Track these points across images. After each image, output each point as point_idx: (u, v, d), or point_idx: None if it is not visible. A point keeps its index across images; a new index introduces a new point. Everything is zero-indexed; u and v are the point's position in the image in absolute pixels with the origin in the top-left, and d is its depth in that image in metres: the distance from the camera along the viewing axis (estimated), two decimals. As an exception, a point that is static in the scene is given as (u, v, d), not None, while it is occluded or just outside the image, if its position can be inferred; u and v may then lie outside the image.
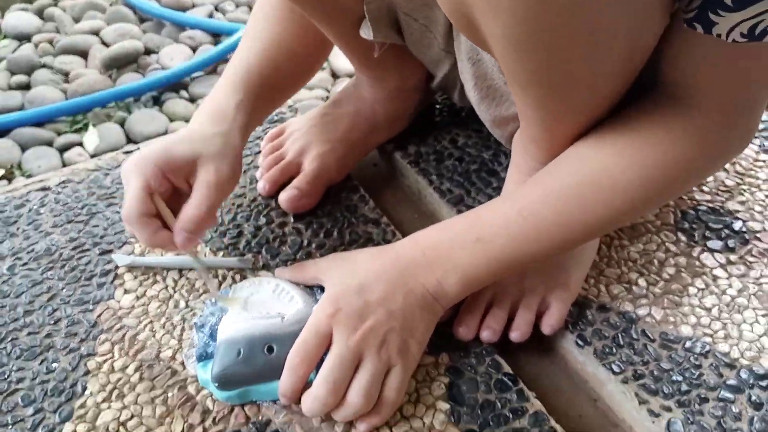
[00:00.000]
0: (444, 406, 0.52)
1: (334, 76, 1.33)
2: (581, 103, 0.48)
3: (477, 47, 0.58)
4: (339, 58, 1.34)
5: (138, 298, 0.61)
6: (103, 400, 0.53)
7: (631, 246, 0.66)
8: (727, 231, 0.67)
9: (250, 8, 1.52)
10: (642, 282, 0.62)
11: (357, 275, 0.52)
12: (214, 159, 0.55)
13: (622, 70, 0.46)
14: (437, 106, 0.86)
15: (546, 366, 0.59)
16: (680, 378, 0.53)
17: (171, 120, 1.21)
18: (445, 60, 0.68)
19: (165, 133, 1.17)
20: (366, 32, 0.62)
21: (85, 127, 1.20)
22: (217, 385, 0.50)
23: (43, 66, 1.36)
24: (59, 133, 1.20)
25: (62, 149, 1.16)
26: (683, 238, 0.67)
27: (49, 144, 1.18)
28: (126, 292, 0.62)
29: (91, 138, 1.16)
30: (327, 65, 1.35)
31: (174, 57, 1.35)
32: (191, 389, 0.53)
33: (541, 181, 0.52)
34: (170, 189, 0.55)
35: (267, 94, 0.64)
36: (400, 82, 0.74)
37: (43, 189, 0.74)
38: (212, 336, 0.53)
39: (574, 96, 0.47)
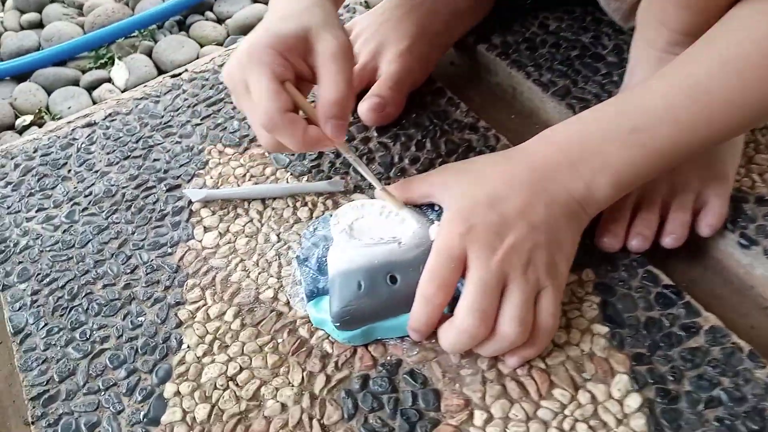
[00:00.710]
0: (601, 329, 0.44)
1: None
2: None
3: None
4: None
5: (221, 235, 0.53)
6: (204, 354, 0.46)
7: (780, 127, 0.56)
8: None
9: None
10: (802, 166, 0.53)
11: (484, 185, 0.44)
12: (324, 28, 0.45)
13: None
14: (515, -10, 0.74)
15: (700, 273, 0.51)
16: None
17: (201, 45, 1.11)
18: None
19: (197, 58, 1.07)
20: None
21: (111, 61, 1.10)
22: (338, 324, 0.43)
23: (53, 0, 1.25)
24: (84, 71, 1.10)
25: (90, 87, 1.06)
26: (837, 112, 0.57)
27: (75, 83, 1.08)
28: (206, 230, 0.54)
29: (120, 72, 1.06)
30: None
31: (193, -25, 1.22)
32: (303, 332, 0.46)
33: (706, 52, 0.41)
34: (293, 77, 0.45)
35: None
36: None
37: (89, 125, 0.66)
38: (320, 270, 0.46)
39: None
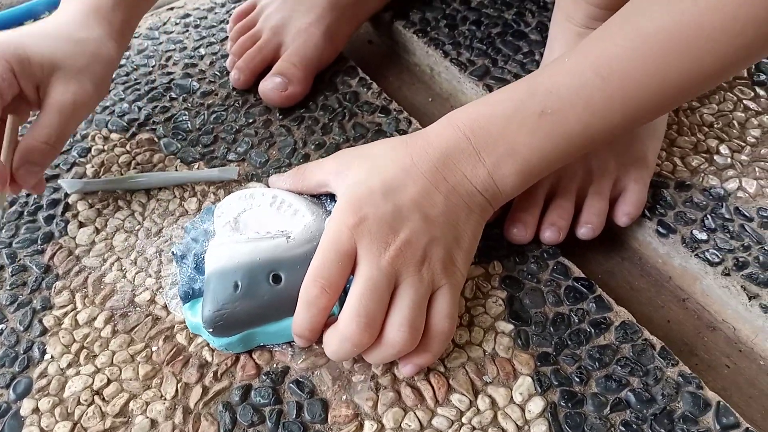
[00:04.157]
0: (506, 327, 0.41)
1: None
2: None
3: None
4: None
5: (98, 230, 0.48)
6: (69, 365, 0.41)
7: (703, 107, 0.54)
8: (816, 78, 0.54)
9: None
10: (724, 149, 0.50)
11: (380, 172, 0.40)
12: (76, 75, 0.45)
13: None
14: (438, -35, 0.70)
15: (617, 264, 0.48)
16: (794, 262, 0.42)
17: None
18: None
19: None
20: None
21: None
22: (211, 330, 0.38)
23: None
24: None
25: None
26: (762, 93, 0.55)
27: None
28: (82, 224, 0.48)
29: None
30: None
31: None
32: (181, 339, 0.42)
33: (622, 27, 0.37)
34: (11, 95, 0.43)
35: None
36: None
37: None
38: (198, 268, 0.41)
39: None
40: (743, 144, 0.50)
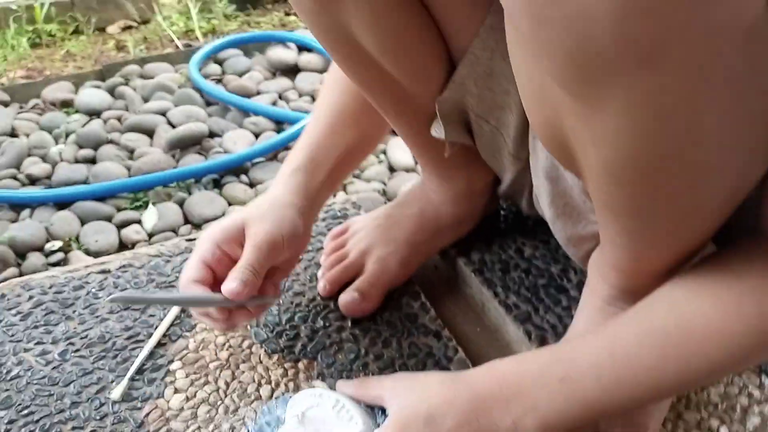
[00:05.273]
0: None
1: (391, 169, 1.33)
2: (677, 236, 0.45)
3: (556, 163, 0.57)
4: (396, 152, 1.35)
5: (188, 399, 0.58)
6: None
7: (712, 388, 0.61)
8: (820, 376, 0.61)
9: (313, 98, 1.56)
10: (724, 431, 0.57)
11: (426, 401, 0.49)
12: (258, 220, 0.59)
13: (723, 207, 0.43)
14: (502, 212, 0.84)
15: None
16: None
17: (230, 203, 1.22)
18: (513, 165, 0.67)
19: (223, 215, 1.18)
20: (437, 131, 0.62)
21: (145, 205, 1.21)
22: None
23: (110, 142, 1.40)
24: (119, 209, 1.21)
25: (120, 226, 1.17)
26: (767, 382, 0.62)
27: (108, 219, 1.19)
28: (176, 391, 0.59)
29: (150, 216, 1.17)
30: (384, 158, 1.36)
31: (237, 141, 1.37)
32: None
33: (636, 320, 0.47)
34: (227, 258, 0.58)
35: (333, 173, 0.67)
36: (468, 184, 0.73)
37: (103, 272, 0.74)
38: (266, 450, 0.50)
39: (671, 228, 0.44)
40: (742, 429, 0.57)
